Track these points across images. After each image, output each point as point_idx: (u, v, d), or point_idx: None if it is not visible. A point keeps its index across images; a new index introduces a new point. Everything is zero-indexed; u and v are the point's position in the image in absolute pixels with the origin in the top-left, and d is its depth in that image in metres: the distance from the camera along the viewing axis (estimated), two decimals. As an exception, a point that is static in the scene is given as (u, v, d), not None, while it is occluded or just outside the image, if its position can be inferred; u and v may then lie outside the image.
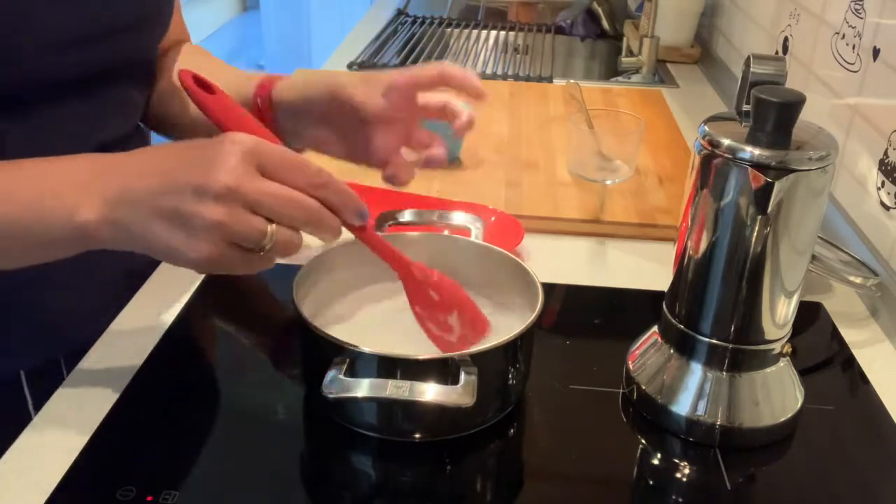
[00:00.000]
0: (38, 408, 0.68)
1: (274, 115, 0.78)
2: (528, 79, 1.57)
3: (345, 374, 0.59)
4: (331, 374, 0.59)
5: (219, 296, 0.84)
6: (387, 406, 0.62)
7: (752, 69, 0.61)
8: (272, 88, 0.79)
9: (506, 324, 0.71)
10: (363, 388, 0.58)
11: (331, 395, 0.58)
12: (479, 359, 0.61)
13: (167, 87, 0.85)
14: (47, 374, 0.75)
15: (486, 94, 0.75)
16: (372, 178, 1.05)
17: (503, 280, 0.73)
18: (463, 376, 0.59)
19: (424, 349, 0.69)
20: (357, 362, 0.60)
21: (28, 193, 0.59)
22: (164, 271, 0.86)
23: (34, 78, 0.68)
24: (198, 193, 0.54)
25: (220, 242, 0.55)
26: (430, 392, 0.58)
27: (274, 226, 0.56)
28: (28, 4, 0.65)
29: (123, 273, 0.82)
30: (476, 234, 0.76)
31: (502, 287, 0.73)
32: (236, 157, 0.55)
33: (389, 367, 0.60)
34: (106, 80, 0.74)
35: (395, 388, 0.58)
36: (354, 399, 0.59)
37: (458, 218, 0.78)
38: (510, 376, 0.65)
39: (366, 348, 0.61)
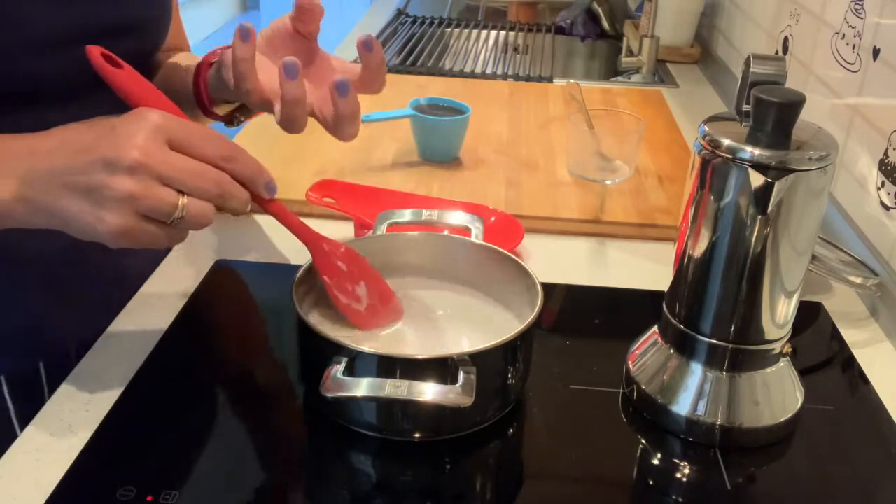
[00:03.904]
0: (20, 415, 0.67)
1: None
2: (528, 79, 1.57)
3: (343, 374, 0.59)
4: (330, 374, 0.59)
5: (218, 295, 0.84)
6: (386, 405, 0.62)
7: (752, 69, 0.61)
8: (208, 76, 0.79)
9: (506, 324, 0.71)
10: (362, 387, 0.58)
11: (329, 395, 0.58)
12: (478, 358, 0.61)
13: None
14: (28, 380, 0.74)
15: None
16: (373, 179, 1.05)
17: (503, 280, 0.73)
18: (462, 376, 0.59)
19: (423, 349, 0.69)
20: (356, 362, 0.60)
21: None
22: (162, 273, 0.86)
23: (22, 80, 0.69)
24: (108, 167, 0.55)
25: (131, 215, 0.56)
26: (428, 392, 0.58)
27: (185, 198, 0.57)
28: (15, 4, 0.65)
29: (113, 277, 0.82)
30: (476, 233, 0.76)
31: (502, 287, 0.73)
32: (145, 131, 0.56)
33: (388, 366, 0.60)
34: (98, 85, 0.73)
35: (393, 388, 0.58)
36: (352, 399, 0.59)
37: (459, 218, 0.78)
38: (510, 376, 0.65)
39: (364, 348, 0.61)
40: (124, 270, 0.83)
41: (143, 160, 0.55)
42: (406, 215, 0.79)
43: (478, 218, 0.78)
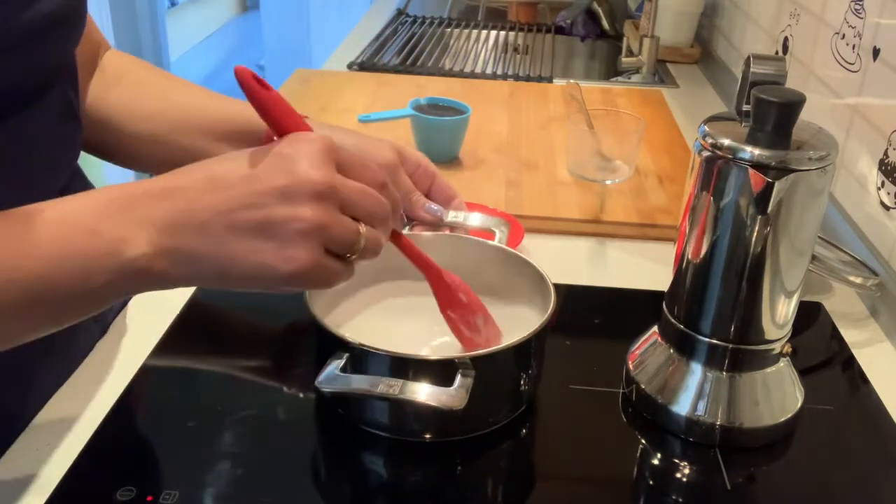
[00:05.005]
0: None
1: None
2: (528, 79, 1.57)
3: (343, 370, 0.59)
4: (328, 368, 0.59)
5: (225, 291, 0.83)
6: (396, 405, 0.62)
7: (752, 69, 0.61)
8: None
9: (516, 326, 0.70)
10: (355, 383, 0.59)
11: (323, 389, 0.58)
12: (479, 362, 0.60)
13: (96, 113, 0.75)
14: None
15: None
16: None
17: (517, 283, 0.72)
18: (458, 379, 0.59)
19: (432, 348, 0.69)
20: (356, 358, 0.60)
21: (53, 241, 0.48)
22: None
23: None
24: (286, 196, 0.49)
25: (317, 248, 0.50)
26: (421, 392, 0.58)
27: (363, 226, 0.52)
28: None
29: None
30: (500, 237, 0.76)
31: (516, 290, 0.73)
32: (320, 154, 0.51)
33: (390, 365, 0.60)
34: (42, 86, 0.63)
35: (386, 386, 0.58)
36: (344, 394, 0.59)
37: (484, 221, 0.79)
38: (521, 380, 0.65)
39: (365, 344, 0.61)
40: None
41: (328, 185, 0.49)
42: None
43: (503, 221, 0.78)
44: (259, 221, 0.49)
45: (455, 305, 0.67)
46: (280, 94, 0.55)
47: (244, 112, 0.77)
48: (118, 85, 0.78)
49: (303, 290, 0.53)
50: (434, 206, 0.79)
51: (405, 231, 0.78)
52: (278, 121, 0.55)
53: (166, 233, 0.49)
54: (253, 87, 0.53)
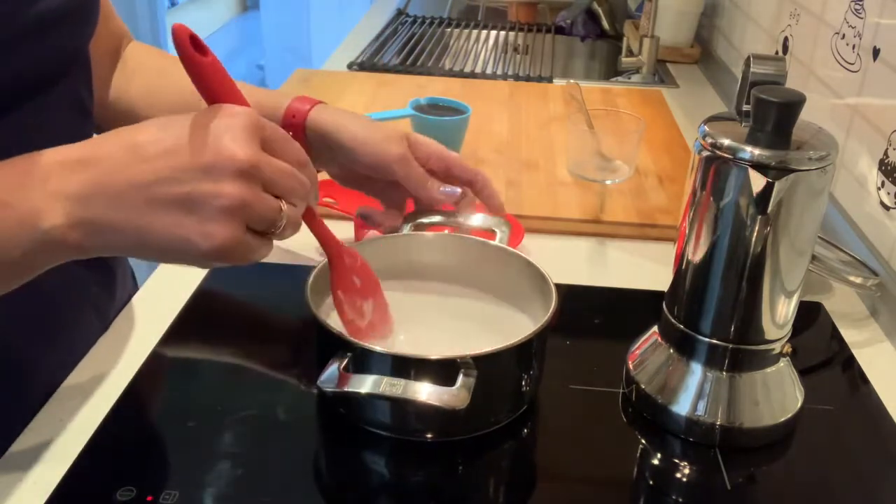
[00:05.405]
0: None
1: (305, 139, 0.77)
2: (528, 79, 1.57)
3: (345, 370, 0.59)
4: (330, 368, 0.59)
5: (225, 291, 0.84)
6: (397, 405, 0.62)
7: (752, 69, 0.61)
8: (309, 113, 0.77)
9: (519, 326, 0.70)
10: (357, 383, 0.59)
11: (325, 389, 0.58)
12: (481, 362, 0.60)
13: (120, 105, 0.77)
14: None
15: (503, 212, 0.80)
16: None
17: (518, 283, 0.72)
18: (460, 378, 0.59)
19: (434, 347, 0.69)
20: (358, 358, 0.60)
21: None
22: (163, 270, 0.86)
23: None
24: (209, 173, 0.49)
25: (239, 225, 0.50)
26: (423, 392, 0.58)
27: (285, 204, 0.52)
28: None
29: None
30: (501, 237, 0.76)
31: (517, 290, 0.73)
32: (245, 130, 0.50)
33: (392, 364, 0.60)
34: (50, 79, 0.64)
35: (389, 386, 0.58)
36: (346, 394, 0.59)
37: (486, 221, 0.79)
38: (522, 380, 0.65)
39: (366, 344, 0.61)
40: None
41: (253, 163, 0.49)
42: (434, 216, 0.79)
43: (504, 221, 0.78)
44: (180, 196, 0.49)
45: (346, 287, 0.67)
46: (218, 61, 0.53)
47: (265, 99, 0.78)
48: (139, 76, 0.79)
49: (222, 266, 0.53)
50: (448, 188, 0.79)
51: (407, 230, 0.78)
52: (212, 91, 0.53)
53: (80, 204, 0.49)
54: (187, 50, 0.52)
